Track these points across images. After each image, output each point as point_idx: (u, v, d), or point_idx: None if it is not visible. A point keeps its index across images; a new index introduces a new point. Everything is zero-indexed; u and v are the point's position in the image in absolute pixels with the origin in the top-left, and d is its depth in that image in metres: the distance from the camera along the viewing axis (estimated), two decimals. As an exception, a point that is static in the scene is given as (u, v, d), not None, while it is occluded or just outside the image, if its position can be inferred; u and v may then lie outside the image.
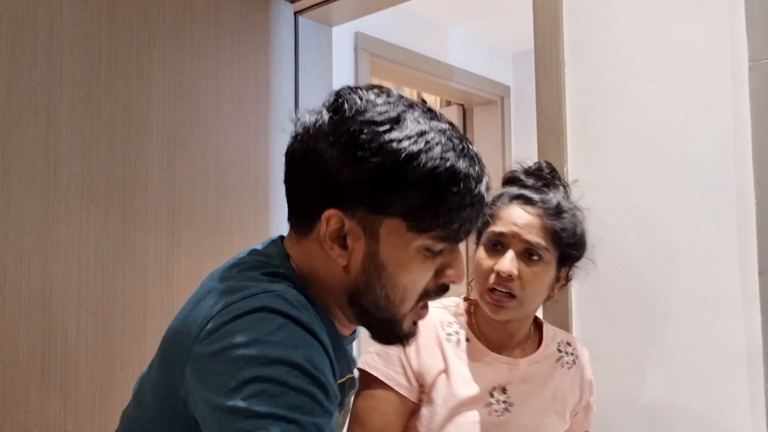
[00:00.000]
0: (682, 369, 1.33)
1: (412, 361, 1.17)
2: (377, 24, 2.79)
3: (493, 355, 1.20)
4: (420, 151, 0.75)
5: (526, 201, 1.15)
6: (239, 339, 0.70)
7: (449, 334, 1.21)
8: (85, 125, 1.67)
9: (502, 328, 1.21)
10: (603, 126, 1.46)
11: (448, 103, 3.56)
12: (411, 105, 0.80)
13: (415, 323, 0.85)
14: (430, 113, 0.80)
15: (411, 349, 1.17)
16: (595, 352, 1.44)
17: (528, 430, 1.18)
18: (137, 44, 1.79)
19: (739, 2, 1.29)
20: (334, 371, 0.78)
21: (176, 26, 1.87)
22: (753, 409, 1.25)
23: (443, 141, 0.77)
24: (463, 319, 1.24)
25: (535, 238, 1.13)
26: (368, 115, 0.77)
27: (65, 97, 1.64)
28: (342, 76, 2.63)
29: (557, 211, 1.15)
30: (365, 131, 0.76)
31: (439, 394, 1.16)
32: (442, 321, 1.22)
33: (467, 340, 1.21)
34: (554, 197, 1.17)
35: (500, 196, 1.20)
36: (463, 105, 3.48)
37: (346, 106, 0.78)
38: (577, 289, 1.47)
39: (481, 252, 1.17)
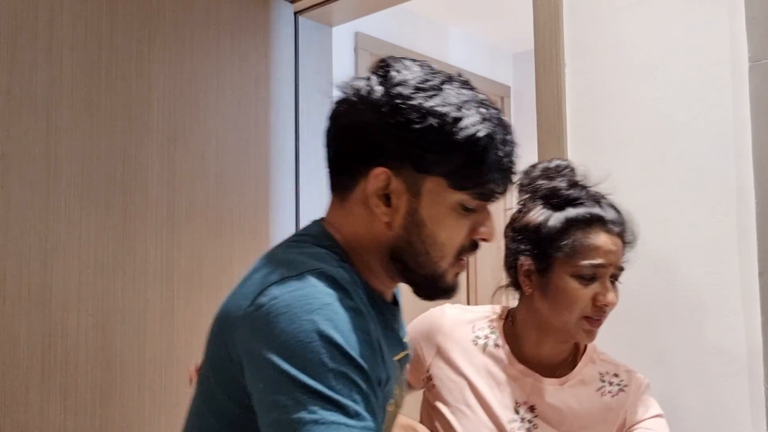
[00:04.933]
0: (682, 369, 1.33)
1: (427, 356, 1.19)
2: (377, 24, 2.79)
3: (519, 366, 1.16)
4: (463, 117, 0.82)
5: (604, 223, 1.11)
6: (285, 314, 0.74)
7: (477, 337, 1.20)
8: (85, 125, 1.67)
9: (541, 346, 1.17)
10: (603, 126, 1.46)
11: (448, 103, 3.55)
12: (450, 77, 0.87)
13: (456, 275, 0.90)
14: (468, 85, 0.87)
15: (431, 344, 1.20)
16: (595, 352, 1.44)
17: None
18: (137, 44, 1.79)
19: (739, 2, 1.29)
20: (382, 351, 0.81)
21: (176, 26, 1.87)
22: (753, 409, 1.25)
23: (482, 109, 0.84)
24: (497, 324, 1.21)
25: (622, 262, 1.13)
26: (415, 83, 0.84)
27: (65, 97, 1.64)
28: (342, 76, 2.63)
29: (627, 227, 1.14)
30: (413, 97, 0.83)
31: (461, 394, 1.15)
32: (474, 325, 1.21)
33: (496, 345, 1.19)
34: (614, 209, 1.14)
35: (574, 219, 1.11)
36: (463, 105, 3.47)
37: (394, 73, 0.85)
38: (577, 289, 1.47)
39: (574, 282, 1.10)
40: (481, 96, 0.87)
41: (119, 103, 1.74)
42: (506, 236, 1.19)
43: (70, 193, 1.63)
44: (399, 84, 0.84)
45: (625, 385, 1.18)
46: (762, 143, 1.25)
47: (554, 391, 1.15)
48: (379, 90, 0.84)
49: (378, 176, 0.84)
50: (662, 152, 1.38)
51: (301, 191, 2.16)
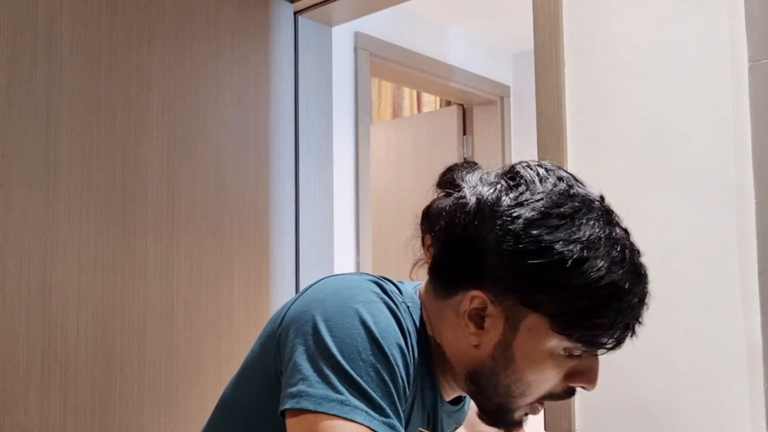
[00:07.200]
0: (682, 369, 1.33)
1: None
2: (377, 24, 2.79)
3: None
4: (587, 258, 0.72)
5: None
6: (333, 295, 0.75)
7: None
8: (85, 125, 1.67)
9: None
10: (603, 126, 1.46)
11: (448, 103, 3.56)
12: (590, 203, 0.76)
13: (526, 414, 0.83)
14: (608, 216, 0.77)
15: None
16: (595, 352, 1.44)
17: None
18: (137, 44, 1.79)
19: (739, 2, 1.29)
20: (408, 381, 0.77)
21: (176, 26, 1.87)
22: (753, 409, 1.25)
23: (614, 252, 0.73)
24: None
25: None
26: (542, 206, 0.74)
27: (65, 97, 1.64)
28: (342, 76, 2.63)
29: None
30: (536, 225, 0.73)
31: None
32: None
33: None
34: None
35: None
36: (462, 105, 3.47)
37: (523, 188, 0.76)
38: (577, 289, 1.47)
39: None
40: (620, 233, 0.76)
41: (119, 103, 1.74)
42: None
43: (70, 192, 1.63)
44: (525, 204, 0.74)
45: None
46: (762, 143, 1.25)
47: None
48: (503, 205, 0.75)
49: (473, 299, 0.76)
50: (662, 152, 1.38)
51: (301, 191, 2.16)
